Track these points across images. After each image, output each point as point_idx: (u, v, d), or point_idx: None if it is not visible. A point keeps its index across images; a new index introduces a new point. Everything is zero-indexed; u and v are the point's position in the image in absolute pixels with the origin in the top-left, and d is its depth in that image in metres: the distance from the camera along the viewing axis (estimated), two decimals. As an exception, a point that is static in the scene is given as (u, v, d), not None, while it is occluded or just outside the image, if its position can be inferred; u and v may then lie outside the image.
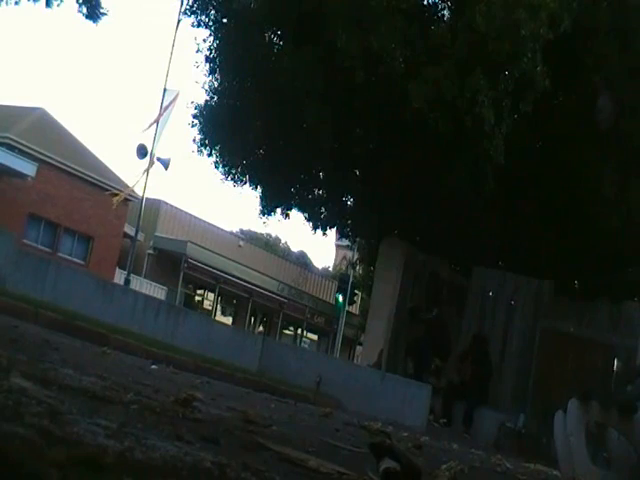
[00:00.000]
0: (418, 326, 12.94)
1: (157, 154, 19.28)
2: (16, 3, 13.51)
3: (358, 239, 19.51)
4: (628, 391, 7.06)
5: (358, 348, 33.33)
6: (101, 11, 13.95)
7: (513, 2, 12.09)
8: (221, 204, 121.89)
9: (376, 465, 1.98)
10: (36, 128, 27.93)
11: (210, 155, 16.05)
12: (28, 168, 25.52)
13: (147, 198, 20.51)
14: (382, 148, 13.93)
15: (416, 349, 12.67)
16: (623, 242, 14.16)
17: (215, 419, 3.00)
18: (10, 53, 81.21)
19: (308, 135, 14.11)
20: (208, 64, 15.47)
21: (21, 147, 26.53)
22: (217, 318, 33.49)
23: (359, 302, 32.15)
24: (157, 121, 18.34)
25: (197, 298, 38.72)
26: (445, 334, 12.76)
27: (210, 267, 33.54)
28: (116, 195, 23.31)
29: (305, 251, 73.51)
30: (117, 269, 28.75)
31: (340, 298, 30.27)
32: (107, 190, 28.15)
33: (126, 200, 25.60)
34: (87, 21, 13.97)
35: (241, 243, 39.51)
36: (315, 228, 17.25)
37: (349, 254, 32.39)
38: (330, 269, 53.17)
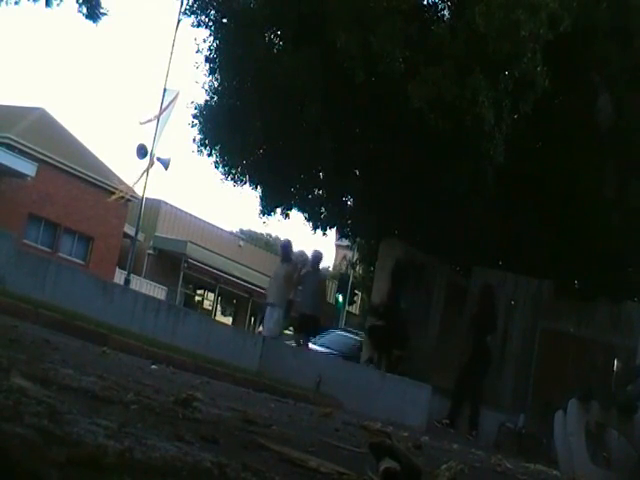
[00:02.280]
0: (379, 321, 13.63)
1: (157, 154, 19.29)
2: (16, 3, 13.52)
3: (358, 239, 19.51)
4: (628, 391, 7.06)
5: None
6: (101, 11, 13.95)
7: (513, 2, 12.09)
8: (221, 204, 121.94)
9: (376, 465, 1.98)
10: (36, 128, 27.95)
11: (210, 155, 16.05)
12: (28, 168, 25.54)
13: (147, 198, 20.52)
14: (382, 148, 13.93)
15: (376, 337, 13.47)
16: (623, 242, 14.16)
17: (215, 419, 3.00)
18: (10, 53, 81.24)
19: (308, 135, 14.11)
20: (208, 64, 15.47)
21: (21, 147, 26.54)
22: (217, 318, 33.50)
23: (359, 302, 32.14)
24: (157, 118, 18.33)
25: (197, 298, 38.73)
26: (404, 327, 13.38)
27: (210, 267, 33.55)
28: (114, 193, 23.32)
29: (305, 251, 73.28)
30: (117, 269, 28.76)
31: (340, 298, 30.28)
32: (107, 190, 28.18)
33: (125, 199, 25.60)
34: (87, 21, 13.98)
35: (241, 243, 39.51)
36: (315, 228, 17.25)
37: (349, 254, 32.38)
38: (330, 269, 53.17)
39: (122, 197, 23.64)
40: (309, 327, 13.72)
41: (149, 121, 18.13)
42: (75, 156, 28.98)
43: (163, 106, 18.57)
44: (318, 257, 14.11)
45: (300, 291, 13.49)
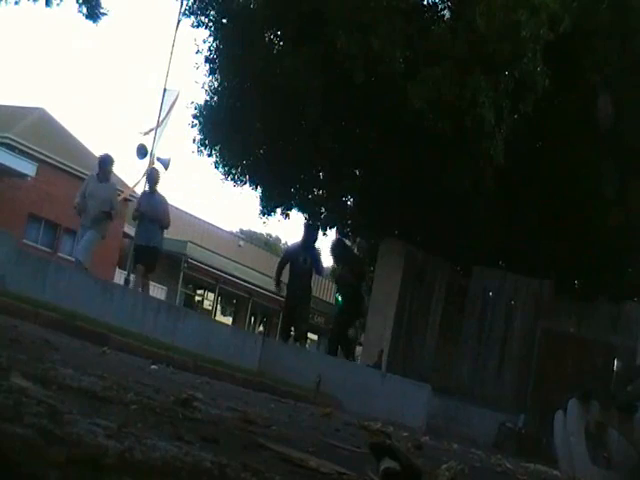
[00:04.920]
0: None
1: (157, 154, 19.24)
2: (16, 3, 13.52)
3: (358, 239, 19.52)
4: (628, 391, 7.06)
5: (358, 348, 33.33)
6: (101, 11, 13.96)
7: (513, 3, 12.09)
8: (221, 204, 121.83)
9: (376, 465, 1.98)
10: (36, 128, 27.95)
11: (210, 155, 16.07)
12: (28, 168, 25.54)
13: (147, 198, 20.45)
14: (382, 148, 13.94)
15: None
16: (623, 242, 14.17)
17: (215, 419, 3.00)
18: (10, 53, 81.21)
19: (308, 135, 14.12)
20: (208, 64, 15.50)
21: (21, 147, 26.54)
22: (217, 318, 33.50)
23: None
24: (158, 126, 18.30)
25: (197, 298, 38.71)
26: None
27: (210, 267, 33.54)
28: (118, 196, 23.26)
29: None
30: (117, 269, 28.74)
31: (340, 298, 30.24)
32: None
33: (126, 200, 25.60)
34: (87, 21, 14.00)
35: (241, 243, 39.51)
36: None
37: (349, 254, 32.31)
38: (330, 269, 53.12)
39: (125, 200, 23.65)
40: (149, 260, 11.91)
41: (150, 130, 18.11)
42: (75, 156, 28.98)
43: (163, 106, 18.54)
44: (154, 176, 12.03)
45: (139, 220, 11.88)
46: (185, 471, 1.56)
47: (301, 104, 13.68)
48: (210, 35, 15.24)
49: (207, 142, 15.94)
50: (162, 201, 12.17)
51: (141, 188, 19.91)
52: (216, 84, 15.71)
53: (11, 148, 25.93)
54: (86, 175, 29.25)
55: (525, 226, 14.37)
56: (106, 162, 11.82)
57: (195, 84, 16.20)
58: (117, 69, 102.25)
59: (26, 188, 26.31)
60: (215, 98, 15.75)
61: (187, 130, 16.31)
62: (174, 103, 18.66)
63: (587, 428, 6.18)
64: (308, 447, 2.75)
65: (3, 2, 13.42)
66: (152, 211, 11.69)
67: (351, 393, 9.89)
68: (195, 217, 36.96)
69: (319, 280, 43.24)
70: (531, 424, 11.94)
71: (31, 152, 26.62)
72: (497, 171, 13.07)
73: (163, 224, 11.95)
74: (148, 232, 11.74)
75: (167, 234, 36.40)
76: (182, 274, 32.89)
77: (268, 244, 51.39)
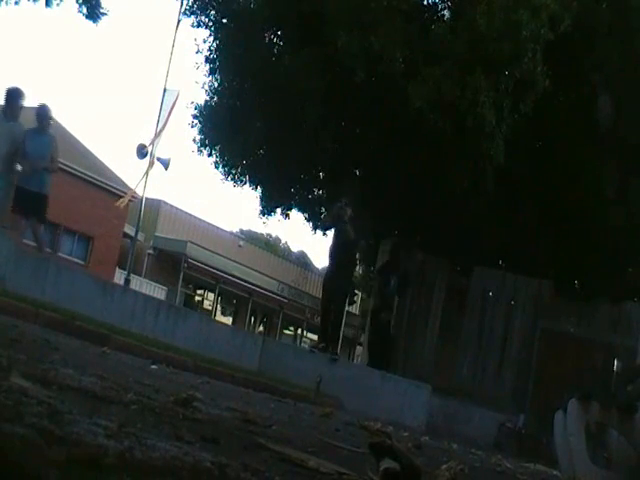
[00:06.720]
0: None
1: (157, 154, 19.23)
2: (16, 3, 13.52)
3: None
4: (628, 391, 7.05)
5: (358, 348, 33.35)
6: (101, 11, 13.97)
7: (514, 3, 12.10)
8: (221, 204, 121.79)
9: (376, 465, 1.98)
10: (36, 128, 27.91)
11: (210, 155, 16.07)
12: (28, 168, 25.49)
13: (147, 198, 20.46)
14: (382, 148, 13.94)
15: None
16: (623, 242, 14.17)
17: (215, 419, 3.00)
18: (10, 53, 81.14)
19: (308, 135, 14.11)
20: (208, 64, 15.50)
21: (21, 147, 26.48)
22: (217, 318, 33.50)
23: (359, 302, 32.13)
24: (159, 128, 18.29)
25: (197, 298, 38.72)
26: None
27: (210, 267, 33.54)
28: (121, 197, 23.27)
29: (305, 251, 73.49)
30: (117, 269, 28.75)
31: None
32: (107, 190, 28.17)
33: (129, 202, 25.62)
34: (87, 21, 14.01)
35: (241, 243, 39.50)
36: (315, 228, 17.27)
37: (349, 254, 32.27)
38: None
39: (130, 201, 23.65)
40: (37, 210, 10.78)
41: (154, 138, 18.12)
42: (75, 156, 28.97)
43: (163, 107, 18.54)
44: (44, 111, 10.41)
45: (21, 159, 10.25)
46: (185, 471, 1.56)
47: (301, 104, 13.68)
48: (210, 35, 15.25)
49: (207, 142, 15.94)
50: (51, 141, 10.68)
51: (140, 187, 19.91)
52: (216, 84, 15.71)
53: (11, 148, 25.91)
54: (86, 175, 29.31)
55: (525, 226, 14.36)
56: (14, 96, 10.03)
57: (195, 84, 16.21)
58: (117, 69, 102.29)
59: (26, 188, 26.27)
60: (215, 98, 15.75)
61: (187, 130, 16.31)
62: (174, 103, 18.64)
63: (587, 428, 6.18)
64: (308, 447, 2.75)
65: (3, 2, 13.43)
66: (39, 151, 10.23)
67: (351, 393, 9.89)
68: (195, 217, 36.97)
69: (318, 280, 43.23)
70: (531, 424, 11.93)
71: (31, 152, 26.58)
72: (497, 171, 13.07)
73: (50, 167, 10.62)
74: (34, 175, 10.32)
75: (167, 234, 36.27)
76: (182, 274, 32.89)
77: (268, 244, 51.40)
